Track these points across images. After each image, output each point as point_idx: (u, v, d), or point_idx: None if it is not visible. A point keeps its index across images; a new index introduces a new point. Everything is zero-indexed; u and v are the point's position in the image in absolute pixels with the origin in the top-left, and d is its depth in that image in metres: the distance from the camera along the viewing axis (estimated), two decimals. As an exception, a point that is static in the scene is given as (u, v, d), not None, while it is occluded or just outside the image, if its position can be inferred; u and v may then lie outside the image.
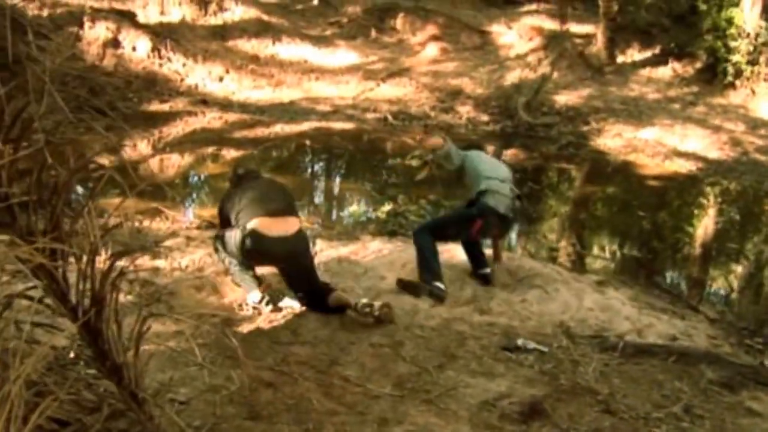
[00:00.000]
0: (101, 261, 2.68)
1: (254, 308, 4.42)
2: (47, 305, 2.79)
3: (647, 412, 3.43)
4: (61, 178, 2.67)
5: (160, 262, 5.34)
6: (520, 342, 4.01)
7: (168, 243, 5.78)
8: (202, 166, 10.36)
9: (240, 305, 4.44)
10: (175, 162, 10.32)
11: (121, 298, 4.66)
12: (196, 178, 9.99)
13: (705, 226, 9.20)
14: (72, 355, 3.17)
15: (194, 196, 9.24)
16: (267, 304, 4.40)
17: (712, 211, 9.77)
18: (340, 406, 3.25)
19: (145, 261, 5.39)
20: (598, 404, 3.42)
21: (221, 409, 3.20)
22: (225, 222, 4.60)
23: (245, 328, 4.27)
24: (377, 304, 4.21)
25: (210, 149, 10.77)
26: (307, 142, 11.74)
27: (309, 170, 11.14)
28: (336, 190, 9.95)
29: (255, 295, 4.43)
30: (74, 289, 2.60)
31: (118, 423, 2.69)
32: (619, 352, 4.10)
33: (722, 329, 5.24)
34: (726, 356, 4.25)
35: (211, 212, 7.95)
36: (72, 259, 2.61)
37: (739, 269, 7.90)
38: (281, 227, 4.32)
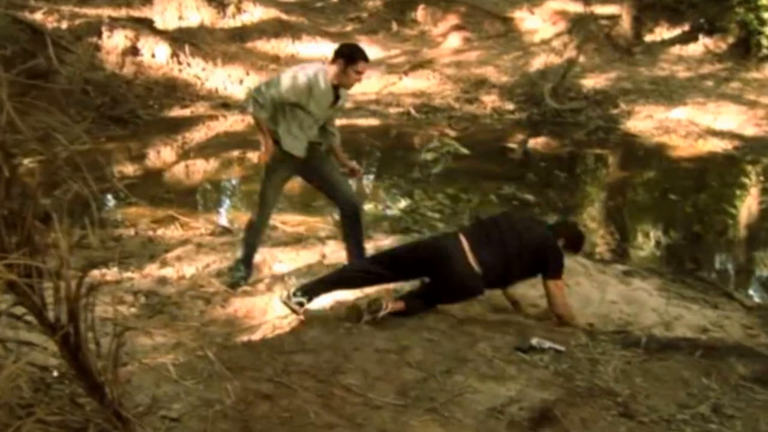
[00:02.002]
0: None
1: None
2: (26, 322, 2.68)
3: (671, 414, 3.19)
4: (30, 191, 2.55)
5: (167, 271, 5.22)
6: (534, 341, 3.77)
7: (177, 251, 5.65)
8: (227, 170, 10.23)
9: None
10: (199, 168, 10.23)
11: (124, 310, 4.58)
12: (217, 184, 9.86)
13: (742, 207, 8.83)
14: (56, 373, 3.03)
15: (214, 201, 9.11)
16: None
17: (750, 192, 9.37)
18: (339, 419, 3.07)
19: (152, 270, 5.29)
20: (616, 407, 3.18)
21: (213, 425, 3.04)
22: None
23: (248, 337, 4.12)
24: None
25: (235, 153, 10.64)
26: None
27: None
28: (354, 188, 9.72)
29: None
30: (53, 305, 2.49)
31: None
32: (643, 348, 3.84)
33: (760, 318, 4.94)
34: (759, 348, 3.97)
35: (231, 216, 7.84)
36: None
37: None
38: None
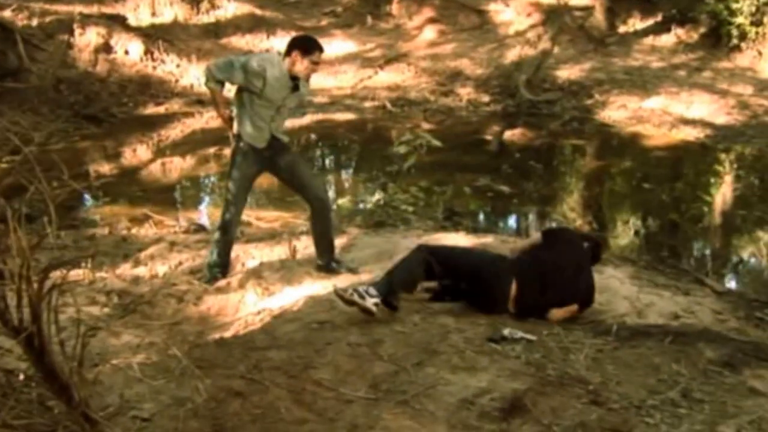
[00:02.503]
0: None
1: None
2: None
3: (641, 400, 3.20)
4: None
5: (140, 270, 5.19)
6: (506, 332, 3.78)
7: (151, 250, 5.61)
8: (203, 167, 10.17)
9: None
10: (175, 165, 10.16)
11: (96, 310, 4.55)
12: (192, 181, 9.80)
13: (716, 194, 8.92)
14: (22, 377, 3.00)
15: (189, 199, 9.07)
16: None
17: (723, 179, 9.46)
18: (310, 414, 3.07)
19: (125, 270, 5.25)
20: (587, 394, 3.19)
21: (185, 423, 3.02)
22: None
23: (220, 334, 4.10)
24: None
25: (210, 150, 10.57)
26: (312, 136, 11.34)
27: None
28: (328, 182, 9.69)
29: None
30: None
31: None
32: (614, 336, 3.87)
33: (730, 303, 4.98)
34: (726, 333, 4.01)
35: (206, 213, 7.81)
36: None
37: (748, 238, 7.61)
38: None
